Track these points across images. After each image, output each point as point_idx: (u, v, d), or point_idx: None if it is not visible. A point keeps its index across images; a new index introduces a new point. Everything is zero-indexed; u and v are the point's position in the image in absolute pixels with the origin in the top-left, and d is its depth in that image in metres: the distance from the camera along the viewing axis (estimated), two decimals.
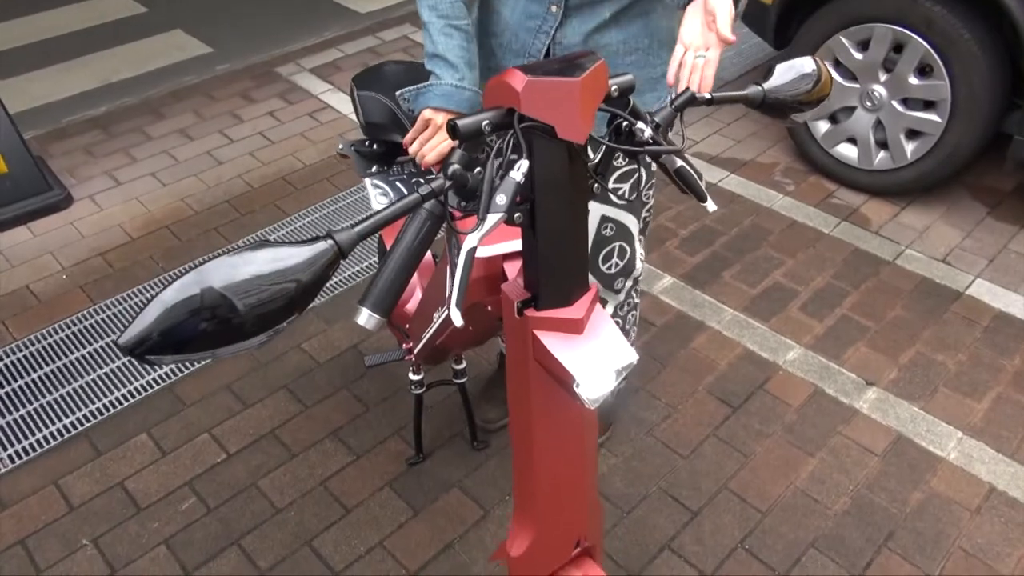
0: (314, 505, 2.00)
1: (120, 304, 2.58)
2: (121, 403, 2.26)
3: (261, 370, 2.36)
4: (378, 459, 2.11)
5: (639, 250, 1.79)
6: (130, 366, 2.36)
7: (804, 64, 1.18)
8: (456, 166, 0.97)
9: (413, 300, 2.04)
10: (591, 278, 1.70)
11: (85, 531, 1.95)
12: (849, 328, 2.49)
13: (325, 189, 3.08)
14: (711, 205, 1.13)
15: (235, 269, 0.79)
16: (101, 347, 2.43)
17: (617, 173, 1.66)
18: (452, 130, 0.97)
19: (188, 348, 0.79)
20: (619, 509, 1.99)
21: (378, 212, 0.92)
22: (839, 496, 2.02)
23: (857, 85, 2.89)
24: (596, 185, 1.08)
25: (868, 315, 2.53)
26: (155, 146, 3.33)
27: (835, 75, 2.93)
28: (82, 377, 2.34)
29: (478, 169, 0.99)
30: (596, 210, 1.67)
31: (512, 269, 1.20)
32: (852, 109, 2.94)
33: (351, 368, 2.37)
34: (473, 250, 0.93)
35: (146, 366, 2.36)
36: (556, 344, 1.06)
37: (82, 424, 2.21)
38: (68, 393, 2.29)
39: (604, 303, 1.84)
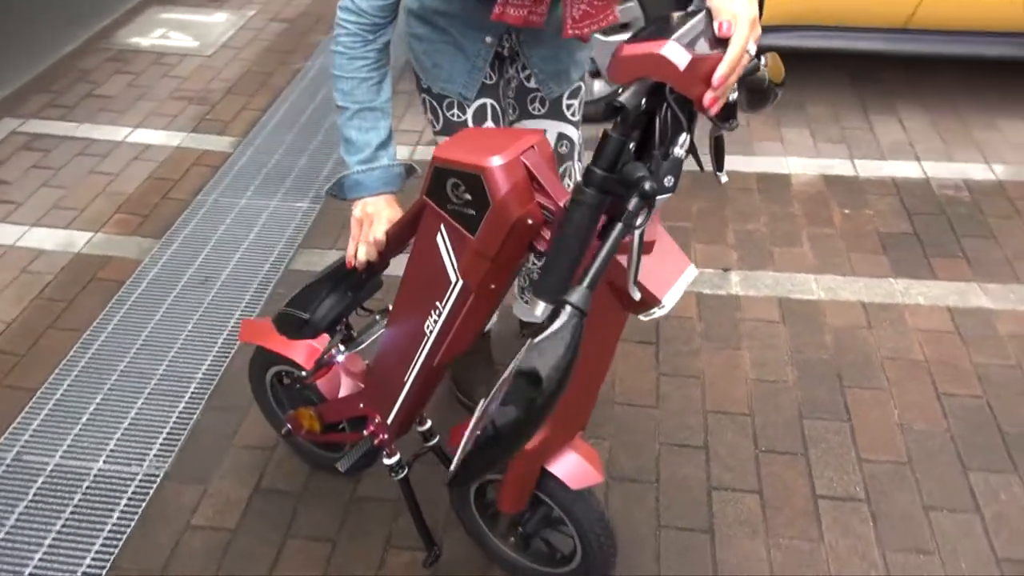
0: None
1: None
2: None
3: None
4: None
5: (577, 173, 1.87)
6: None
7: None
8: (641, 173, 0.95)
9: (345, 389, 1.68)
10: None
11: None
12: (675, 234, 2.68)
13: (61, 341, 2.34)
14: (723, 177, 1.17)
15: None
16: None
17: (570, 89, 1.75)
18: (618, 110, 0.95)
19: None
20: (648, 483, 1.92)
21: (597, 256, 0.94)
22: (784, 368, 2.20)
23: None
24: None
25: (680, 217, 2.75)
26: None
27: None
28: None
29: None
30: (553, 128, 1.76)
31: (534, 162, 1.15)
32: None
33: (275, 514, 1.88)
34: (643, 234, 0.98)
35: None
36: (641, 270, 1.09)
37: None
38: None
39: None
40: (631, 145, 0.98)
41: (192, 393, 2.17)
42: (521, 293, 2.17)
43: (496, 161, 1.11)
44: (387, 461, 1.68)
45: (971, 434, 2.01)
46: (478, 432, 0.96)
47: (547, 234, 1.20)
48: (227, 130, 3.35)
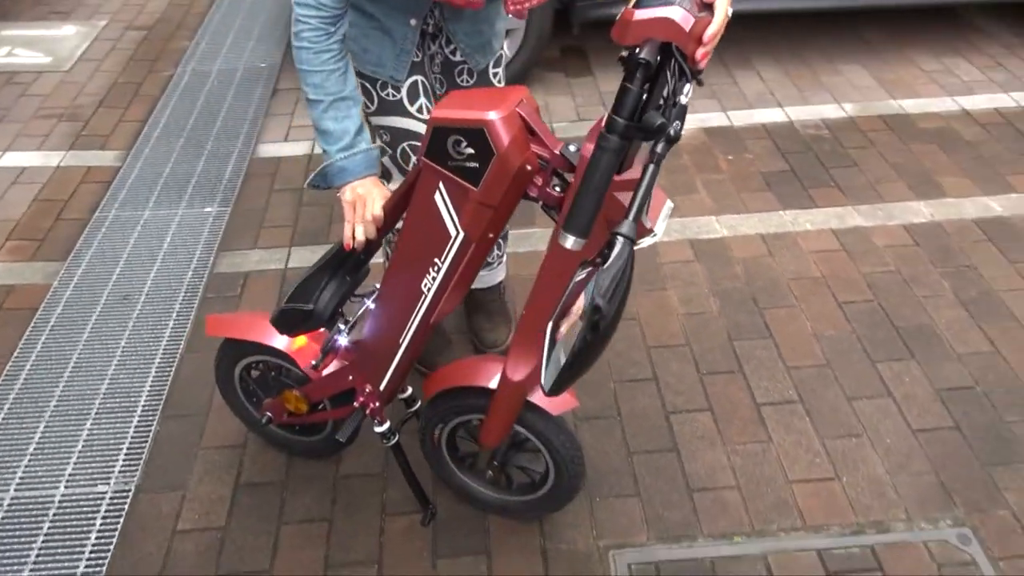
0: None
1: None
2: None
3: None
4: (396, 546, 1.80)
5: None
6: None
7: None
8: (661, 120, 1.06)
9: (330, 366, 1.72)
10: None
11: None
12: None
13: None
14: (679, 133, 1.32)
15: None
16: None
17: (494, 58, 1.84)
18: (639, 65, 1.07)
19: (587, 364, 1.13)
20: (612, 418, 2.08)
21: (637, 192, 1.04)
22: (707, 301, 2.42)
23: None
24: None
25: None
26: None
27: None
28: None
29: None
30: None
31: (527, 113, 1.27)
32: None
33: (263, 505, 1.89)
34: (656, 173, 1.06)
35: None
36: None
37: None
38: None
39: None
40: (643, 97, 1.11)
41: (144, 407, 2.12)
42: None
43: (497, 114, 1.21)
44: (378, 429, 1.74)
45: (871, 332, 2.30)
46: (561, 354, 1.10)
47: (539, 181, 1.31)
48: (108, 144, 3.21)
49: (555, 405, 1.57)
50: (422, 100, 1.77)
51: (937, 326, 2.31)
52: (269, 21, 4.14)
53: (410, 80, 1.73)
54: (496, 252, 2.17)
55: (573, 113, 3.32)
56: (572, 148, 1.26)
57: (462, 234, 1.36)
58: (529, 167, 1.27)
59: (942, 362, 2.20)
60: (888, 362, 2.21)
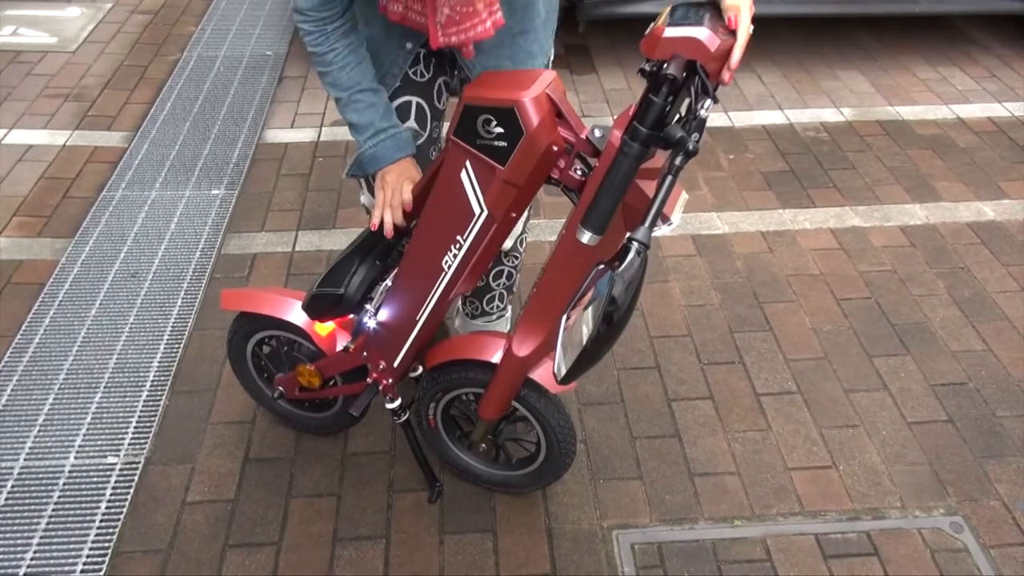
0: None
1: None
2: None
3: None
4: (403, 522, 1.83)
5: None
6: None
7: None
8: (681, 134, 1.11)
9: (343, 341, 1.75)
10: None
11: None
12: None
13: None
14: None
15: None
16: None
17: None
18: (665, 79, 1.11)
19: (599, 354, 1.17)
20: (615, 404, 2.12)
21: (654, 202, 1.08)
22: (710, 294, 2.47)
23: None
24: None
25: None
26: None
27: None
28: None
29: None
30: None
31: (557, 96, 1.30)
32: None
33: (272, 479, 1.91)
34: (672, 184, 1.11)
35: None
36: (650, 189, 1.27)
37: None
38: None
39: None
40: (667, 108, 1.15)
41: (153, 382, 2.14)
42: (463, 305, 2.21)
43: (528, 95, 1.25)
44: (390, 405, 1.77)
45: (868, 328, 2.36)
46: (573, 342, 1.14)
47: (561, 163, 1.35)
48: (115, 125, 3.22)
49: (555, 384, 1.61)
50: (411, 124, 1.67)
51: (932, 324, 2.37)
52: (275, 9, 4.15)
53: (400, 100, 1.64)
54: None
55: (577, 110, 3.36)
56: (598, 133, 1.29)
57: (486, 212, 1.39)
58: (556, 148, 1.30)
59: (936, 358, 2.26)
60: (884, 357, 2.27)
